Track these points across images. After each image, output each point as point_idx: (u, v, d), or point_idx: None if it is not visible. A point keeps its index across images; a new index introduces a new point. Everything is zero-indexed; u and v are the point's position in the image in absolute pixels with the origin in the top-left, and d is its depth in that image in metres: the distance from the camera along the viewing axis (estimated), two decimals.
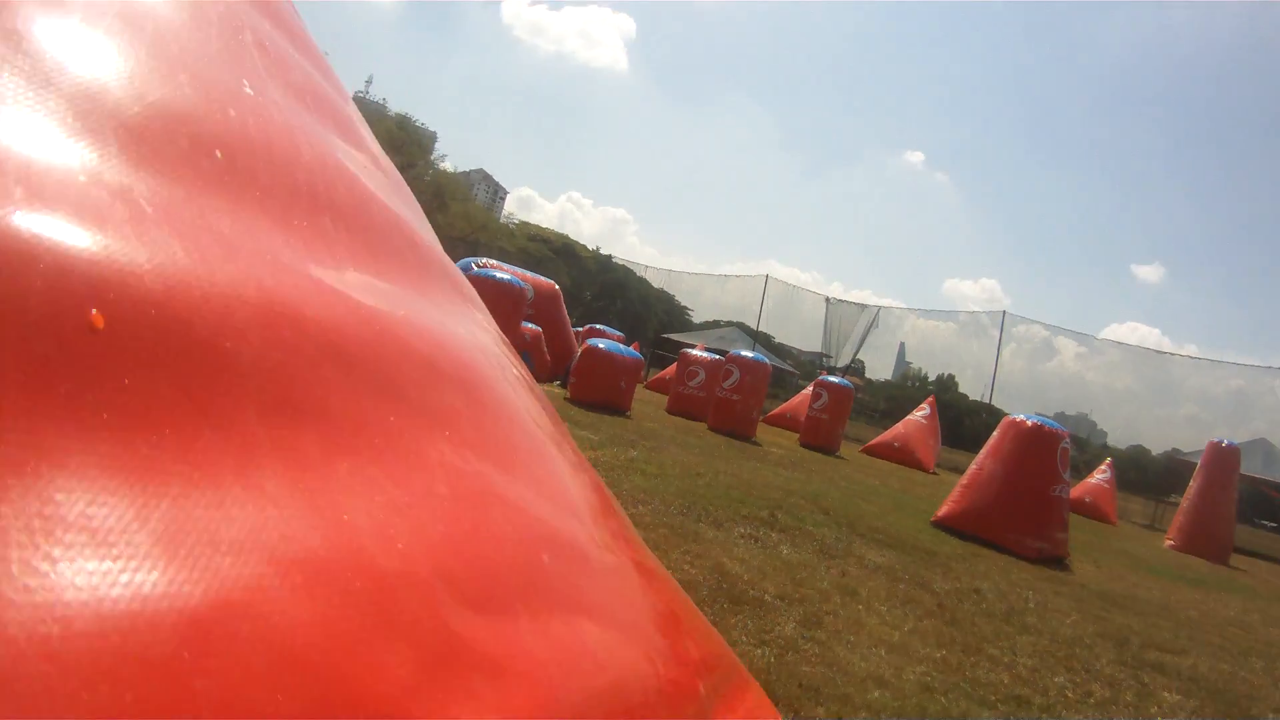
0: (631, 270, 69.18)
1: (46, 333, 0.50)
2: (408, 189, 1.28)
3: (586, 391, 17.02)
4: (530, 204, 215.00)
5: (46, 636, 0.41)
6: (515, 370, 1.09)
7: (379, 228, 0.96)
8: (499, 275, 16.01)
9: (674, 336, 52.30)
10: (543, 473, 0.90)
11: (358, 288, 0.80)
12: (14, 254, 0.51)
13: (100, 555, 0.45)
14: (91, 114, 0.65)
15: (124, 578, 0.45)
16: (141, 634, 0.44)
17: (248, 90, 0.87)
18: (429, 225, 1.25)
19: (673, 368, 26.45)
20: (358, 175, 1.00)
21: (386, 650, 0.54)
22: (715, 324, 59.19)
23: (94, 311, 0.53)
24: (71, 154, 0.60)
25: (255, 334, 0.62)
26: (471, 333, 1.02)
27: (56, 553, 0.44)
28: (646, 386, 31.10)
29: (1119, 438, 48.80)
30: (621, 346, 18.69)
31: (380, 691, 0.52)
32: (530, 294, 18.02)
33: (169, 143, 0.70)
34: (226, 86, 0.84)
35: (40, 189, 0.55)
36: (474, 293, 1.19)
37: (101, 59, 0.70)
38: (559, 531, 0.82)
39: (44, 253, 0.52)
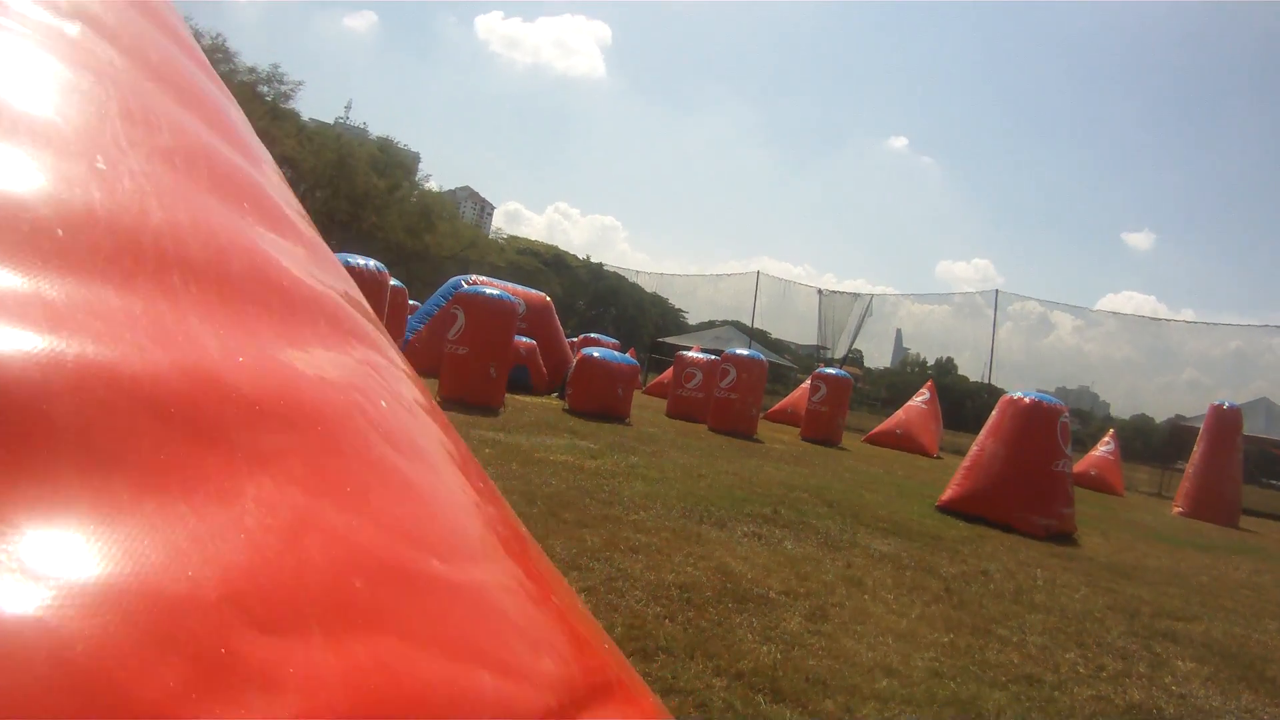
0: (623, 277, 69.23)
1: None
2: (283, 183, 1.33)
3: (584, 401, 16.99)
4: (518, 218, 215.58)
5: None
6: (401, 398, 1.12)
7: (237, 276, 0.99)
8: (489, 292, 16.01)
9: (670, 340, 52.36)
10: (385, 501, 0.92)
11: (192, 340, 0.84)
12: None
13: None
14: None
15: None
16: None
17: (100, 166, 0.91)
18: (310, 235, 1.27)
19: (670, 371, 26.49)
20: (219, 224, 1.04)
21: (159, 663, 0.58)
22: (711, 324, 59.27)
23: None
24: None
25: (69, 396, 0.67)
26: (336, 368, 1.04)
27: None
28: (645, 392, 31.16)
29: (1121, 408, 48.91)
30: (617, 354, 18.71)
31: (149, 697, 0.56)
32: (522, 308, 18.05)
33: (9, 230, 0.75)
34: (79, 170, 0.88)
35: None
36: (361, 324, 1.20)
37: None
38: (384, 557, 0.84)
39: None
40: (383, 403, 1.04)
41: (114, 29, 1.15)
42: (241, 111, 1.43)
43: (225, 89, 1.43)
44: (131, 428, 0.71)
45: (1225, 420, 21.86)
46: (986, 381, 38.73)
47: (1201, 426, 22.56)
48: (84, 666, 0.55)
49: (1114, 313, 59.49)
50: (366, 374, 1.08)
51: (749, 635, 4.69)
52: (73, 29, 1.07)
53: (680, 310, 70.04)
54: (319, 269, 1.19)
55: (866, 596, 6.10)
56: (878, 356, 58.56)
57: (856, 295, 46.87)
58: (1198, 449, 21.82)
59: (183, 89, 1.19)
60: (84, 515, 0.62)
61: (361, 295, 1.33)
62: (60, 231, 0.79)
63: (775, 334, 57.46)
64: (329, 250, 1.30)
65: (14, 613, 0.54)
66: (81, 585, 0.58)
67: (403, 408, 1.10)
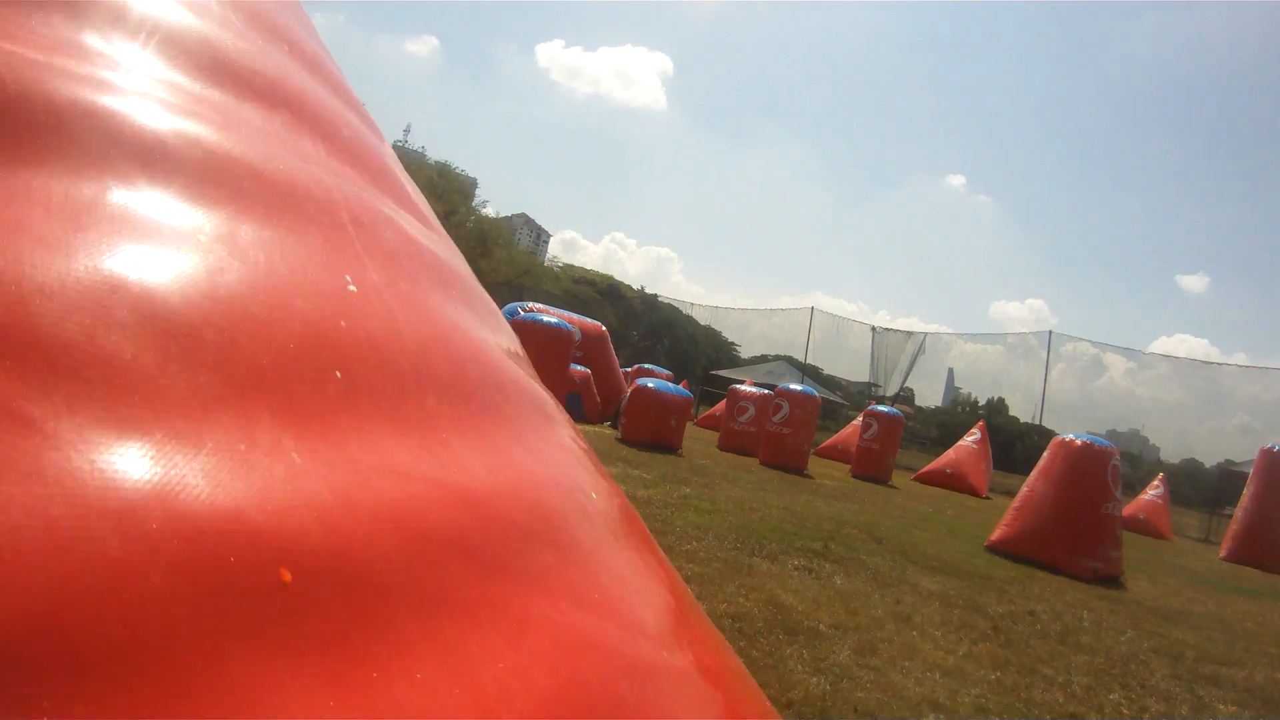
0: (678, 308, 68.94)
1: (255, 596, 0.63)
2: (468, 273, 1.35)
3: (637, 431, 17.04)
4: (574, 246, 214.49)
5: None
6: (594, 488, 1.17)
7: (473, 384, 1.07)
8: (546, 319, 16.15)
9: (723, 373, 52.09)
10: (619, 597, 1.01)
11: (463, 471, 0.92)
12: (217, 540, 0.63)
13: None
14: (234, 377, 0.76)
15: None
16: None
17: (351, 288, 0.97)
18: (492, 307, 1.33)
19: (722, 404, 26.40)
20: (447, 319, 1.11)
21: None
22: (763, 358, 58.88)
23: (283, 570, 0.66)
24: (231, 427, 0.72)
25: (398, 552, 0.75)
26: (557, 466, 1.12)
27: None
28: (697, 424, 31.07)
29: (1171, 452, 48.07)
30: (670, 385, 18.74)
31: None
32: (578, 336, 18.11)
33: (296, 378, 0.81)
34: (334, 292, 0.95)
35: (219, 473, 0.68)
36: (546, 398, 1.27)
37: (230, 312, 0.81)
38: (635, 657, 0.93)
39: (238, 530, 0.65)
40: (594, 494, 1.16)
41: (310, 110, 1.21)
42: (389, 147, 1.50)
43: (367, 116, 1.50)
44: (447, 573, 0.79)
45: (1276, 464, 21.50)
46: (1038, 423, 38.27)
47: (1251, 470, 22.22)
48: None
49: (1167, 355, 58.51)
50: (572, 462, 1.20)
51: (799, 666, 4.79)
52: (276, 120, 1.12)
53: (733, 344, 69.60)
54: (502, 335, 1.29)
55: (915, 633, 6.20)
56: (929, 395, 58.11)
57: (910, 333, 46.58)
58: (1247, 492, 21.35)
59: (368, 163, 1.27)
60: (429, 664, 0.70)
61: (518, 345, 1.40)
62: (338, 374, 0.87)
63: (827, 370, 57.09)
64: (487, 297, 1.37)
65: None
66: None
67: (599, 492, 1.20)
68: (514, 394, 1.17)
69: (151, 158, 0.89)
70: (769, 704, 1.18)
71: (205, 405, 0.72)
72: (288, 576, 0.65)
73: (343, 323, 0.92)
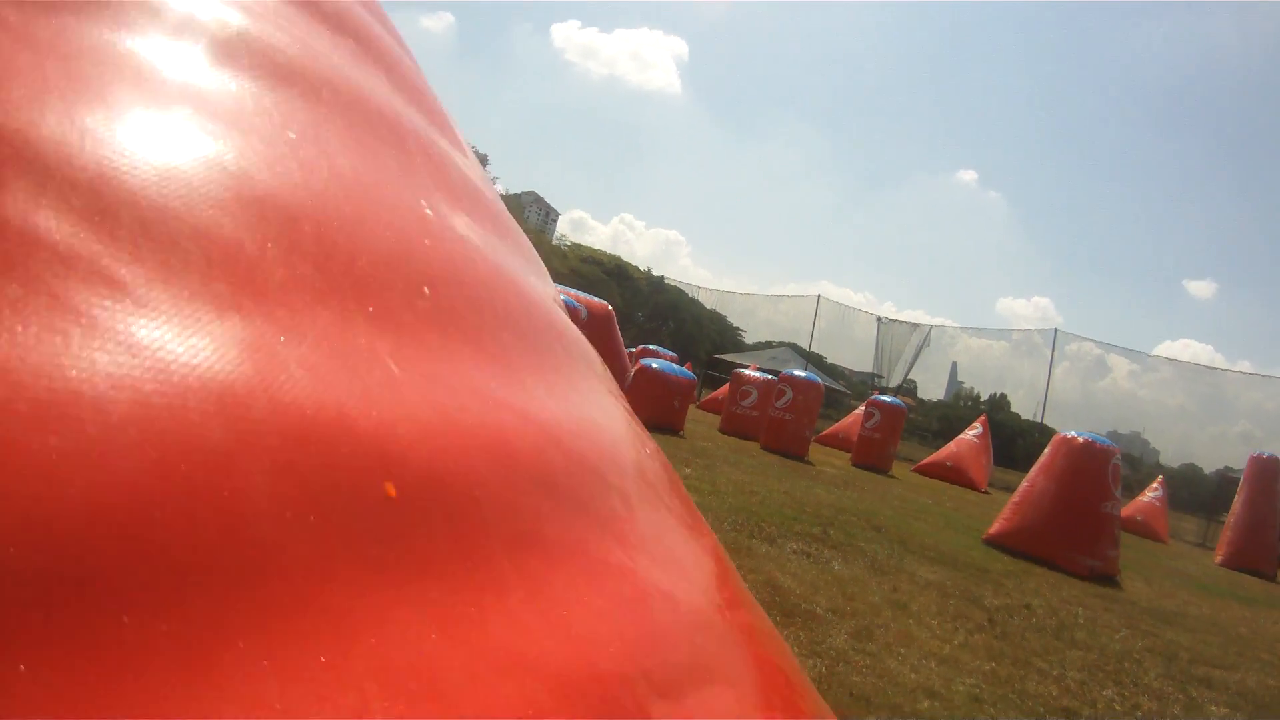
0: (684, 291, 68.92)
1: (359, 509, 0.59)
2: (528, 243, 1.32)
3: (640, 411, 16.65)
4: (583, 226, 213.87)
5: None
6: (646, 444, 1.17)
7: (540, 328, 1.05)
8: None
9: (727, 357, 52.11)
10: (680, 554, 1.00)
11: (542, 408, 0.90)
12: (323, 443, 0.59)
13: (429, 695, 0.54)
14: (332, 275, 0.72)
15: (451, 712, 0.55)
16: None
17: (428, 212, 0.94)
18: (547, 274, 1.32)
19: (725, 388, 26.39)
20: (514, 271, 1.09)
21: None
22: (768, 344, 58.94)
23: (388, 484, 0.61)
24: (331, 324, 0.68)
25: (492, 480, 0.72)
26: (616, 420, 1.11)
27: (402, 702, 0.53)
28: (699, 407, 31.06)
29: (1172, 456, 48.10)
30: (675, 366, 18.74)
31: None
32: (584, 315, 18.08)
33: (389, 287, 0.78)
34: (414, 213, 0.91)
35: (321, 370, 0.63)
36: (595, 356, 1.27)
37: (325, 209, 0.77)
38: (700, 611, 0.92)
39: (344, 436, 0.61)
40: (648, 451, 1.17)
41: (374, 43, 1.17)
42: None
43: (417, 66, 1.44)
44: (535, 508, 0.77)
45: (1265, 470, 21.48)
46: (1039, 420, 38.33)
47: (1242, 477, 22.29)
48: None
49: (1171, 359, 58.44)
50: (628, 418, 1.20)
51: (796, 649, 4.80)
52: (344, 46, 1.08)
53: (738, 329, 69.62)
54: (550, 288, 1.28)
55: (911, 621, 6.24)
56: (932, 388, 58.08)
57: (915, 325, 46.59)
58: (1238, 499, 21.47)
59: (424, 102, 1.24)
60: (521, 600, 0.67)
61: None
62: (426, 290, 0.83)
63: (831, 359, 57.10)
64: (533, 249, 1.35)
65: (508, 711, 0.59)
66: (544, 670, 0.64)
67: (651, 450, 1.20)
68: (571, 344, 1.17)
69: (235, 49, 0.86)
70: (795, 661, 1.19)
71: (305, 296, 0.68)
72: (393, 491, 0.62)
73: (427, 241, 0.89)
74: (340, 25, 1.11)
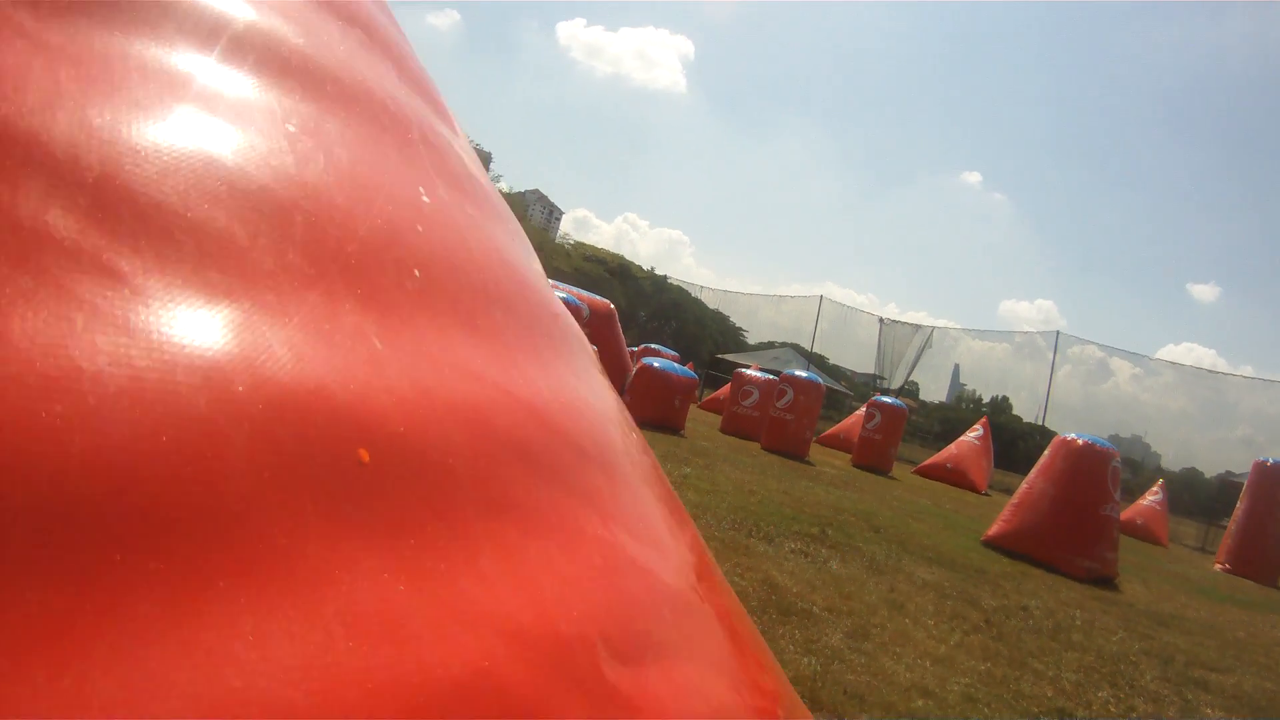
0: (687, 291, 68.95)
1: (333, 471, 0.63)
2: (525, 235, 1.36)
3: (641, 410, 16.94)
4: (586, 225, 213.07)
5: (372, 709, 0.55)
6: (633, 430, 1.20)
7: (533, 310, 1.09)
8: (556, 294, 16.13)
9: (729, 357, 52.12)
10: (659, 532, 1.03)
11: (527, 384, 0.94)
12: (301, 412, 0.64)
13: (393, 641, 0.59)
14: (321, 260, 0.77)
15: (411, 657, 0.59)
16: (428, 700, 0.58)
17: (425, 199, 0.99)
18: (541, 268, 1.34)
19: (727, 388, 26.36)
20: (510, 257, 1.13)
21: (569, 699, 0.68)
22: (770, 345, 58.91)
23: (361, 450, 0.66)
24: (316, 306, 0.73)
25: (469, 450, 0.76)
26: (604, 401, 1.14)
27: (366, 643, 0.57)
28: (701, 406, 31.09)
29: (1173, 460, 47.98)
30: (676, 366, 18.74)
31: None
32: (586, 313, 18.10)
33: (379, 273, 0.82)
34: (410, 199, 0.96)
35: (303, 347, 0.68)
36: (586, 342, 1.30)
37: (318, 199, 0.82)
38: (673, 587, 0.95)
39: (322, 405, 0.66)
40: (634, 435, 1.20)
41: (380, 34, 1.21)
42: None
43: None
44: (509, 475, 0.81)
45: (1269, 477, 21.42)
46: (1040, 423, 38.30)
47: (1245, 483, 22.21)
48: (524, 711, 0.65)
49: (1173, 363, 58.39)
50: (616, 402, 1.23)
51: (790, 646, 4.84)
52: (352, 36, 1.11)
53: (741, 329, 69.59)
54: (535, 263, 1.32)
55: (908, 620, 6.25)
56: (934, 390, 57.94)
57: (918, 327, 46.55)
58: (1241, 504, 21.34)
59: (429, 94, 1.28)
60: (491, 560, 0.72)
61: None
62: (417, 272, 0.87)
63: (833, 359, 57.10)
64: (526, 239, 1.39)
65: (466, 665, 0.62)
66: (508, 630, 0.68)
67: (637, 435, 1.24)
68: (565, 327, 1.20)
69: (242, 45, 0.89)
70: (773, 657, 1.21)
71: (293, 281, 0.73)
72: (366, 457, 0.66)
73: (420, 228, 0.93)
74: (351, 18, 1.14)
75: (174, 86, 0.78)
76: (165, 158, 0.71)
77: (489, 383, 0.87)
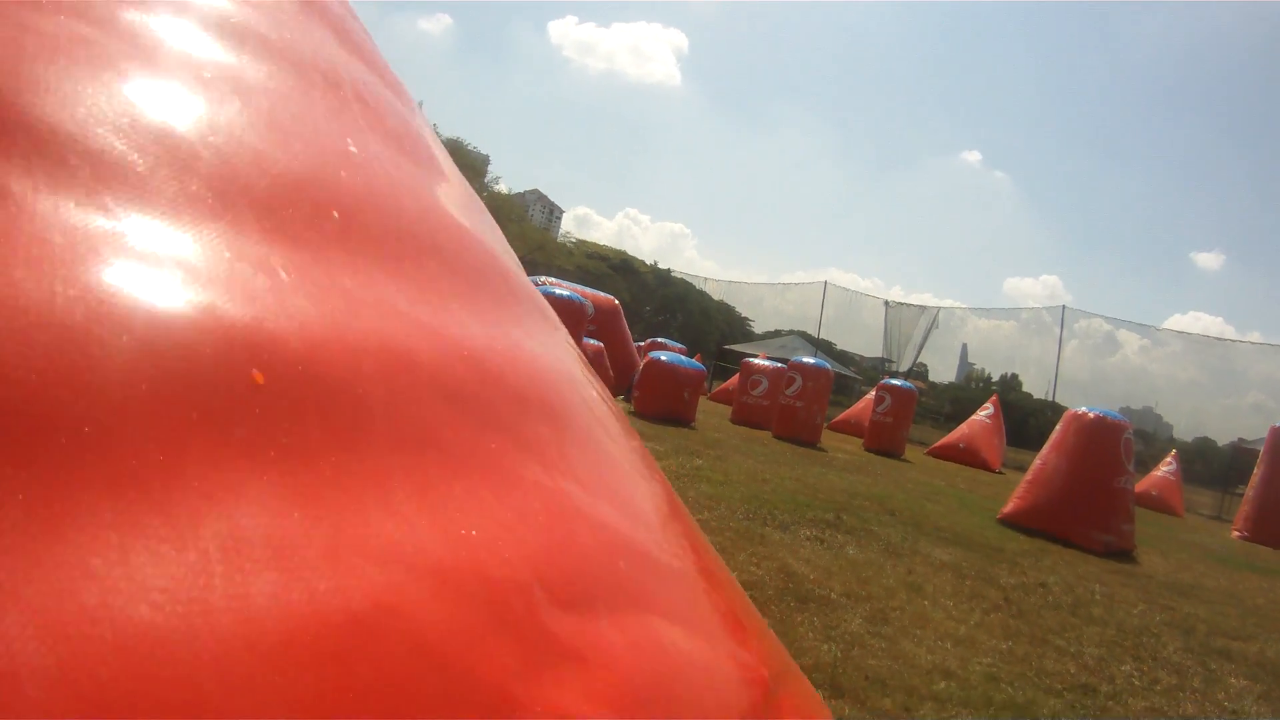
0: (691, 284, 68.86)
1: (222, 391, 0.62)
2: (483, 206, 1.36)
3: (651, 404, 17.11)
4: (588, 222, 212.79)
5: (248, 635, 0.52)
6: (594, 389, 1.19)
7: (476, 265, 1.08)
8: (559, 292, 16.16)
9: (736, 347, 52.03)
10: (618, 487, 1.03)
11: (460, 328, 0.93)
12: (188, 330, 0.63)
13: (280, 567, 0.56)
14: (227, 194, 0.76)
15: (300, 584, 0.57)
16: (318, 630, 0.56)
17: (352, 149, 0.98)
18: (506, 242, 1.34)
19: (735, 379, 26.36)
20: (453, 214, 1.13)
21: (498, 644, 0.66)
22: (776, 333, 58.82)
23: (255, 371, 0.65)
24: (218, 235, 0.72)
25: (381, 382, 0.75)
26: (558, 358, 1.13)
27: (248, 567, 0.55)
28: (710, 398, 31.12)
29: (1184, 430, 47.74)
30: (684, 358, 18.74)
31: (494, 680, 0.64)
32: (591, 310, 18.10)
33: (293, 210, 0.82)
34: (336, 149, 0.96)
35: (199, 271, 0.68)
36: (554, 313, 1.30)
37: (229, 137, 0.82)
38: (632, 540, 0.94)
39: (213, 325, 0.65)
40: (594, 392, 1.19)
41: (319, 3, 1.22)
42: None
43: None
44: (433, 414, 0.79)
45: None
46: (1051, 399, 38.19)
47: (1261, 449, 22.05)
48: (438, 652, 0.62)
49: (1181, 333, 58.15)
50: (575, 359, 1.23)
51: (810, 633, 4.83)
52: (287, 2, 1.13)
53: (747, 319, 69.55)
54: (501, 241, 1.31)
55: (926, 602, 6.23)
56: (943, 371, 57.96)
57: (923, 308, 46.42)
58: (1257, 471, 21.07)
59: (374, 62, 1.27)
60: (408, 496, 0.70)
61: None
62: (336, 214, 0.87)
63: (841, 345, 57.02)
64: (486, 210, 1.39)
65: (371, 599, 0.60)
66: (423, 567, 0.66)
67: (599, 392, 1.23)
68: (517, 287, 1.19)
69: (180, 6, 0.92)
70: (760, 616, 1.20)
71: (194, 210, 0.73)
72: (260, 379, 0.65)
73: (343, 174, 0.93)
74: None
75: (87, 29, 0.79)
76: (65, 91, 0.71)
77: (413, 321, 0.86)
